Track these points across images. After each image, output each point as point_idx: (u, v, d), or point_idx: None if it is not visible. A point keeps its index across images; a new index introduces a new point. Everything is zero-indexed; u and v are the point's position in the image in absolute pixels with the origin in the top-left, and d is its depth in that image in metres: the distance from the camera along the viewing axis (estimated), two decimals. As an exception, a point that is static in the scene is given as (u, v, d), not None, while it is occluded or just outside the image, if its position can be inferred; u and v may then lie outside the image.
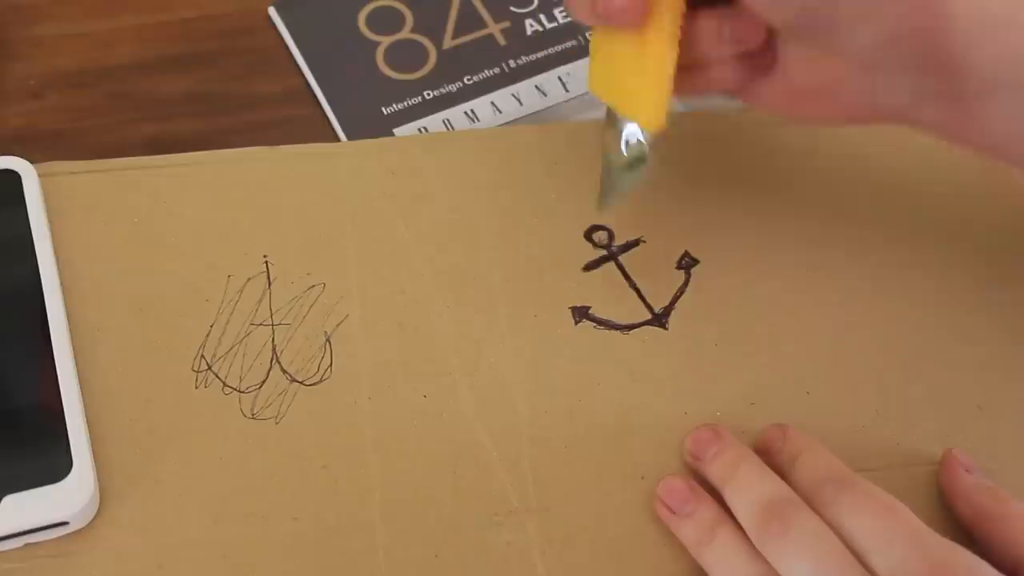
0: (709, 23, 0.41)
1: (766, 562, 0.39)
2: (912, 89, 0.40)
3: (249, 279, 0.47)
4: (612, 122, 0.44)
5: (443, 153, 0.50)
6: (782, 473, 0.42)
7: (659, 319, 0.47)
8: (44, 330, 0.44)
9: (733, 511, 0.41)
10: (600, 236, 0.49)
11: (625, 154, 0.44)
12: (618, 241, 0.49)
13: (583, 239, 0.49)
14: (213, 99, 0.53)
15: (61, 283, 0.45)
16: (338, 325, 0.46)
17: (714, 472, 0.43)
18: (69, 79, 0.53)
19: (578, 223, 0.49)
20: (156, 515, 0.42)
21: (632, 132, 0.43)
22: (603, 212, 0.47)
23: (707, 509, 0.42)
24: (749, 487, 0.41)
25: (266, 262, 0.47)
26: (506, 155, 0.51)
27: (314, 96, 0.53)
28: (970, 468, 0.44)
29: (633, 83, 0.42)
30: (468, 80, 0.53)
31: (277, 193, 0.49)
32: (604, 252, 0.49)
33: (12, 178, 0.47)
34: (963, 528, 0.43)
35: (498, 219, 0.49)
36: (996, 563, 0.38)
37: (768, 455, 0.43)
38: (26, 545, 0.41)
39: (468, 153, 0.51)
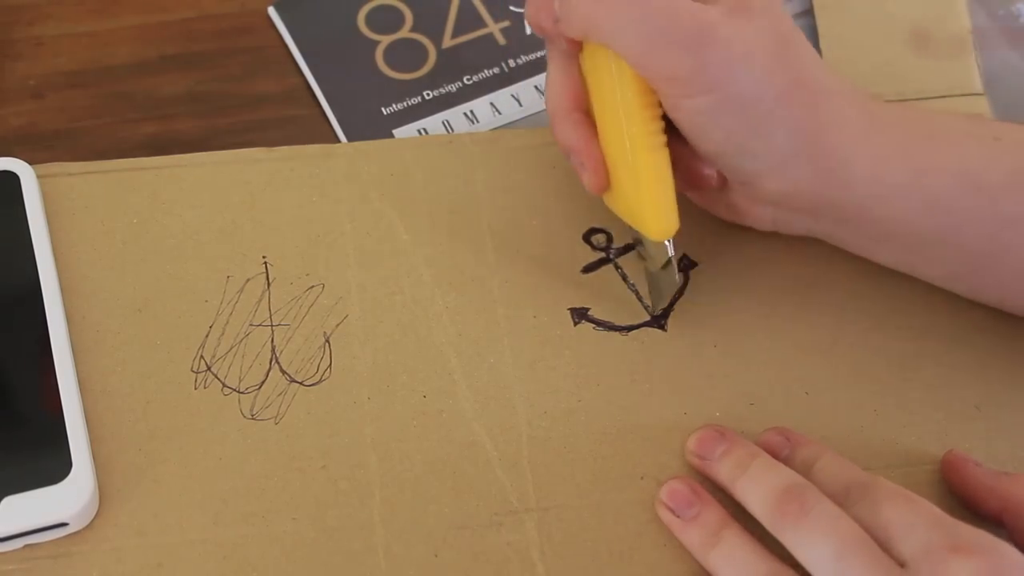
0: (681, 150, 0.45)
1: (776, 560, 0.39)
2: (809, 226, 0.46)
3: (248, 280, 0.47)
4: (637, 234, 0.46)
5: (441, 155, 0.50)
6: None
7: (658, 321, 0.47)
8: (43, 331, 0.44)
9: (746, 504, 0.41)
10: (599, 239, 0.49)
11: (655, 259, 0.46)
12: (617, 243, 0.49)
13: (582, 241, 0.49)
14: (213, 99, 0.53)
15: (60, 284, 0.45)
16: (337, 325, 0.46)
17: (724, 470, 0.43)
18: (69, 79, 0.53)
19: (577, 225, 0.49)
20: (156, 515, 0.42)
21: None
22: (656, 312, 0.48)
23: (712, 511, 0.42)
24: (763, 478, 0.41)
25: (265, 263, 0.47)
26: (505, 158, 0.51)
27: (314, 96, 0.53)
28: (977, 463, 0.44)
29: (634, 197, 0.44)
30: (468, 80, 0.54)
31: (275, 194, 0.49)
32: (603, 254, 0.49)
33: (11, 179, 0.47)
34: (989, 521, 0.43)
35: (497, 221, 0.49)
36: None
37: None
38: (26, 546, 0.41)
39: (467, 156, 0.51)
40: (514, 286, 0.48)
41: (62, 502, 0.41)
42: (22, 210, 0.46)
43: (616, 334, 0.47)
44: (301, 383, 0.45)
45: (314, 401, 0.45)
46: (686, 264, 0.49)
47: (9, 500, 0.41)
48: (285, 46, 0.54)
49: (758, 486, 0.41)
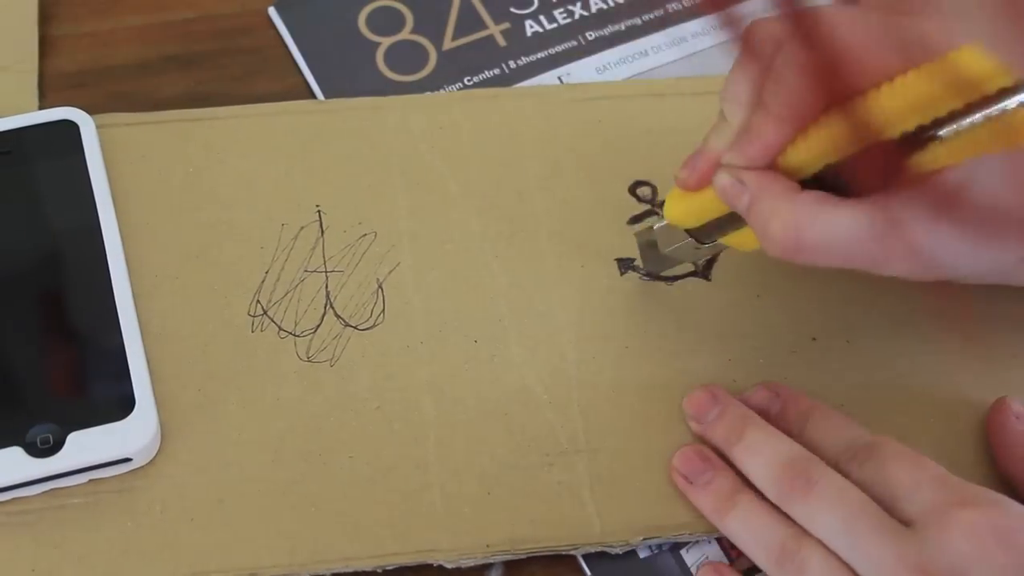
0: None
1: (791, 523, 0.40)
2: None
3: (302, 227, 0.48)
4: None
5: (489, 109, 0.51)
6: (790, 436, 0.43)
7: (703, 271, 0.48)
8: (105, 276, 0.45)
9: (747, 475, 0.42)
10: (644, 191, 0.50)
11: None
12: (661, 196, 0.50)
13: (627, 194, 0.50)
14: (213, 99, 0.52)
15: (120, 230, 0.46)
16: (390, 272, 0.47)
17: (719, 435, 0.43)
18: (69, 79, 0.52)
19: (622, 178, 0.50)
20: (216, 453, 0.43)
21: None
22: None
23: (724, 477, 0.43)
24: (761, 449, 0.42)
25: (318, 211, 0.48)
26: (551, 112, 0.52)
27: (314, 96, 0.53)
28: (1020, 415, 0.44)
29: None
30: (468, 81, 0.54)
31: (327, 144, 0.50)
32: (648, 206, 0.50)
33: (71, 128, 0.48)
34: (1014, 484, 0.43)
35: (544, 173, 0.50)
36: None
37: (767, 418, 0.44)
38: (91, 480, 0.43)
39: (514, 110, 0.51)
40: (562, 236, 0.49)
41: (126, 438, 0.42)
42: (82, 158, 0.47)
43: (661, 284, 0.48)
44: (355, 327, 0.46)
45: (368, 345, 0.46)
46: (731, 215, 0.49)
47: (75, 436, 0.42)
48: (285, 46, 0.54)
49: (757, 457, 0.42)
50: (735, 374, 0.46)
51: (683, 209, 0.42)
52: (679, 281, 0.48)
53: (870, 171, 0.36)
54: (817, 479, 0.40)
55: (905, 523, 0.38)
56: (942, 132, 0.34)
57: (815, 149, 0.37)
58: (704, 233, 0.43)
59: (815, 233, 0.37)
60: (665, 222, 0.44)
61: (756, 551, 0.41)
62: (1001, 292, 0.48)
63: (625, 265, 0.48)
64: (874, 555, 0.38)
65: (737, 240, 0.42)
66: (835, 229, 0.37)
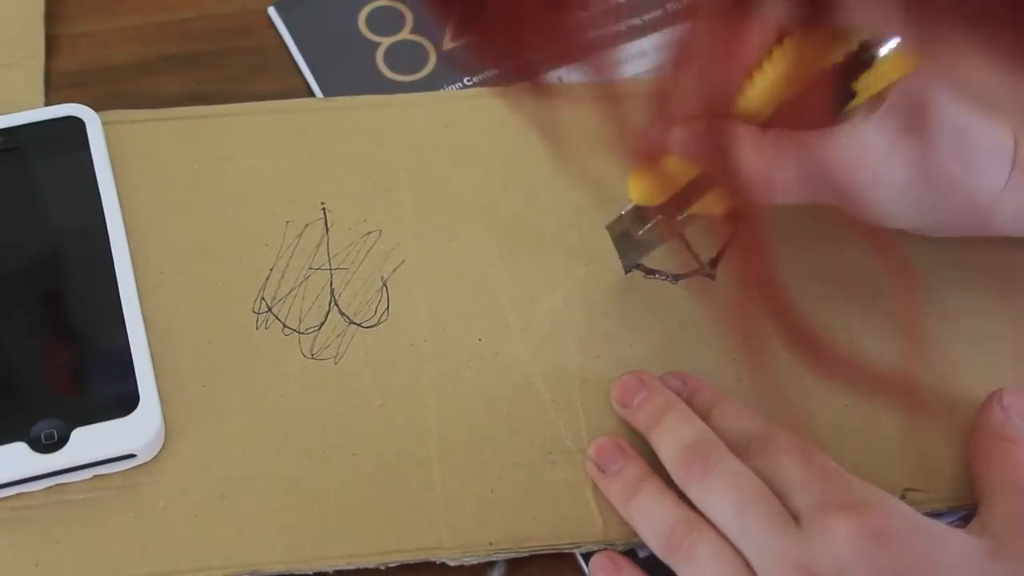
0: None
1: (688, 508, 0.40)
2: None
3: (307, 225, 0.48)
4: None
5: (495, 107, 0.51)
6: None
7: (707, 270, 0.48)
8: (110, 272, 0.45)
9: (658, 455, 0.42)
10: (648, 189, 0.50)
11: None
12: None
13: (633, 192, 0.50)
14: (213, 99, 0.52)
15: (125, 227, 0.47)
16: (394, 270, 0.47)
17: (640, 419, 0.44)
18: (69, 79, 0.52)
19: (626, 177, 0.50)
20: (219, 449, 0.44)
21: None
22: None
23: (634, 467, 0.43)
24: (673, 431, 0.42)
25: (323, 209, 0.49)
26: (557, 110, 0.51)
27: (313, 96, 0.53)
28: (1011, 407, 0.44)
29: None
30: (468, 81, 0.54)
31: (333, 142, 0.50)
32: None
33: (77, 124, 0.48)
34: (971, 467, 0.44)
35: (549, 172, 0.50)
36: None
37: None
38: (95, 476, 0.43)
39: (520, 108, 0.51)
40: (566, 235, 0.49)
41: (130, 434, 0.42)
42: (88, 155, 0.48)
43: (666, 282, 0.48)
44: (359, 325, 0.46)
45: (372, 342, 0.46)
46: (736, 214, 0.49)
47: (79, 432, 0.42)
48: (285, 46, 0.54)
49: (668, 439, 0.42)
50: (739, 372, 0.46)
51: (646, 185, 0.42)
52: (683, 280, 0.48)
53: (822, 102, 0.37)
54: (716, 463, 0.40)
55: (794, 516, 0.39)
56: (883, 48, 0.35)
57: (766, 89, 0.37)
58: (673, 207, 0.43)
59: (788, 169, 0.37)
60: (631, 205, 0.44)
61: (650, 536, 0.41)
62: (1002, 297, 0.48)
63: (630, 264, 0.48)
64: (761, 545, 0.38)
65: (707, 206, 0.42)
66: (806, 162, 0.37)
